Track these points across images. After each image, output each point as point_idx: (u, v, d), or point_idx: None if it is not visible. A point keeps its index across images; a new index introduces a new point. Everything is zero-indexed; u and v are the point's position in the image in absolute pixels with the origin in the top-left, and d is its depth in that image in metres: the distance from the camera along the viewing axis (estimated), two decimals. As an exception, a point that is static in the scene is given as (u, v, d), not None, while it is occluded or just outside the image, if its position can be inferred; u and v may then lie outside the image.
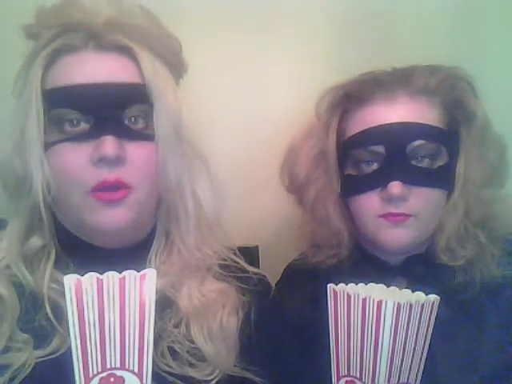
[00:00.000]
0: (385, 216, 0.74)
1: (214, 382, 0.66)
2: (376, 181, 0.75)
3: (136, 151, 0.64)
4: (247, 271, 0.75)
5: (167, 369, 0.65)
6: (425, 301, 0.59)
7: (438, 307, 0.61)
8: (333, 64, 0.98)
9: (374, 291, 0.62)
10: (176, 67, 0.71)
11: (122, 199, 0.63)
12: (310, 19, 1.00)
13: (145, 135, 0.65)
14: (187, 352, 0.67)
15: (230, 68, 0.99)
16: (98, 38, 0.64)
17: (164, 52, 0.68)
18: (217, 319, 0.68)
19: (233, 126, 1.00)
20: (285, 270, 0.92)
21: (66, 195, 0.64)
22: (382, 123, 0.74)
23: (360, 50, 0.99)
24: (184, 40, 0.72)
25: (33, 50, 0.65)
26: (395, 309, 0.57)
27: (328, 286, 0.63)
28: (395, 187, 0.72)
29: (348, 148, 0.78)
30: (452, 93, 0.76)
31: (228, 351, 0.68)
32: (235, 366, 0.68)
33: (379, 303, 0.58)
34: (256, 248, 0.93)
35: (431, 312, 0.60)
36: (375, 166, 0.75)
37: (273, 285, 0.82)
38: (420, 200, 0.74)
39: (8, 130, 0.66)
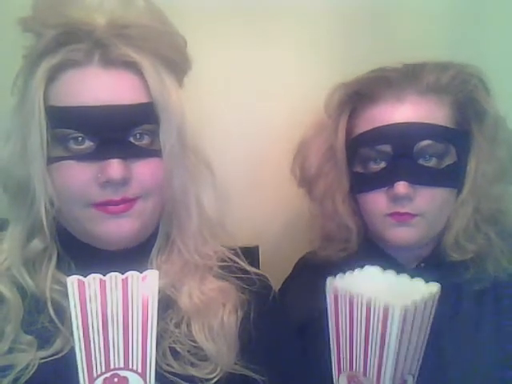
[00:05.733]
0: (391, 215, 0.75)
1: (215, 380, 0.66)
2: (383, 180, 0.75)
3: (142, 169, 0.64)
4: (248, 271, 0.76)
5: (169, 369, 0.65)
6: (429, 295, 0.59)
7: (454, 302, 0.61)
8: (336, 63, 0.98)
9: (373, 282, 0.62)
10: (181, 66, 0.69)
11: (128, 210, 0.64)
12: (313, 19, 1.00)
13: (150, 151, 0.65)
14: (188, 352, 0.67)
15: (232, 67, 0.98)
16: (103, 48, 0.62)
17: (169, 52, 0.66)
18: (218, 317, 0.69)
19: (234, 126, 1.01)
20: (296, 263, 0.93)
21: (69, 208, 0.64)
22: (390, 123, 0.74)
23: (363, 49, 0.99)
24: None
25: (34, 53, 0.63)
26: (402, 313, 0.56)
27: (327, 282, 0.63)
28: (401, 187, 0.73)
29: (356, 146, 0.79)
30: (463, 90, 0.76)
31: (229, 349, 0.68)
32: (236, 363, 0.68)
33: (386, 310, 0.57)
34: (256, 248, 0.93)
35: (433, 303, 0.60)
36: (383, 164, 0.76)
37: (274, 284, 0.81)
38: (426, 199, 0.74)
39: (6, 129, 0.65)
